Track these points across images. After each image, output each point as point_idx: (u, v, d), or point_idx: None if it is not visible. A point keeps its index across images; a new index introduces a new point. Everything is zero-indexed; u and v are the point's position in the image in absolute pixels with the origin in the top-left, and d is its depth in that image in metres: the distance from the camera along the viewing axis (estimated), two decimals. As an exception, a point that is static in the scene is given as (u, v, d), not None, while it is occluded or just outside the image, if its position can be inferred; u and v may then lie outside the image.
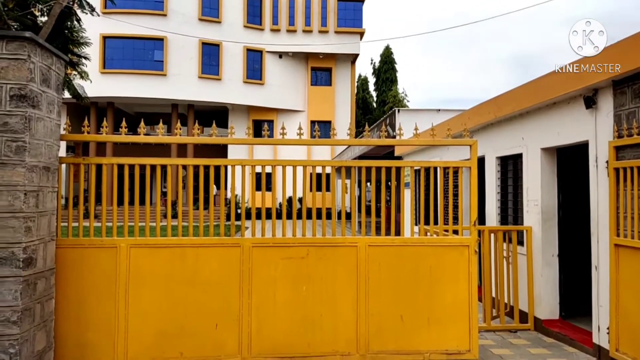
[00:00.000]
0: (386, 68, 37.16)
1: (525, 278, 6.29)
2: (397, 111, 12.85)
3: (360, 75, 41.89)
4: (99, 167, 4.49)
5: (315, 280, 4.48)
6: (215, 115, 30.33)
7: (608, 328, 4.70)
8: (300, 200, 28.27)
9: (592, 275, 5.05)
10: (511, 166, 6.97)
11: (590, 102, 4.95)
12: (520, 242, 6.43)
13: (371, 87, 40.81)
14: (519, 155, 6.63)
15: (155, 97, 28.21)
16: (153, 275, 4.37)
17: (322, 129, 31.92)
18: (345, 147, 21.04)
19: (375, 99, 39.54)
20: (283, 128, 4.70)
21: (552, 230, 6.12)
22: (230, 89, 29.83)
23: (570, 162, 6.37)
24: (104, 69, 27.88)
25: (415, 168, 5.08)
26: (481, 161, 7.63)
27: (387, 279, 4.54)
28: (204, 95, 29.07)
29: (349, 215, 26.71)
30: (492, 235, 6.42)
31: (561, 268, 6.09)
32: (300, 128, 4.76)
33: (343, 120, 32.12)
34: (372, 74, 39.07)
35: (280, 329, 4.43)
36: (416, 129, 4.81)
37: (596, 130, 4.96)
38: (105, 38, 27.98)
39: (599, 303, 4.93)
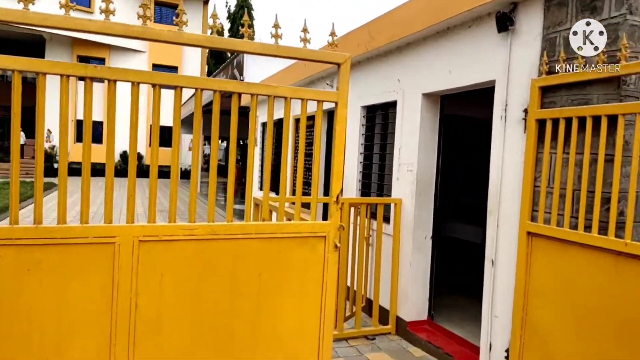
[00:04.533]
0: (242, 14, 33.86)
1: (389, 266, 4.77)
2: (245, 50, 10.48)
3: (215, 22, 37.89)
4: None
5: (13, 318, 2.13)
6: (28, 47, 24.23)
7: (507, 350, 3.30)
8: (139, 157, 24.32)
9: (484, 271, 3.62)
10: (380, 118, 5.31)
11: (505, 21, 3.36)
12: (388, 219, 4.87)
13: (226, 36, 37.24)
14: (392, 104, 4.98)
15: None
16: None
17: (165, 74, 27.86)
18: (189, 96, 18.11)
19: (229, 48, 36.14)
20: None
21: (427, 205, 4.63)
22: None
23: (451, 114, 4.93)
24: None
25: (261, 121, 3.08)
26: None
27: (176, 304, 2.41)
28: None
29: (187, 174, 23.82)
30: (353, 209, 4.73)
31: (434, 255, 4.68)
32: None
33: (192, 68, 28.55)
34: (227, 19, 35.61)
35: None
36: (278, 33, 2.66)
37: (510, 63, 3.40)
38: None
39: (492, 312, 3.52)
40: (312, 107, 2.89)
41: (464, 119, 6.22)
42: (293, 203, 3.73)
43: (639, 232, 2.57)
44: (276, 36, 2.52)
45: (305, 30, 2.60)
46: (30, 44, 25.22)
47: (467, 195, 6.71)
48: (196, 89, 2.50)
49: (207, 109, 14.07)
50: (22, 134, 23.99)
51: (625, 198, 2.59)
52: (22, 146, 24.51)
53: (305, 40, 2.60)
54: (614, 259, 2.54)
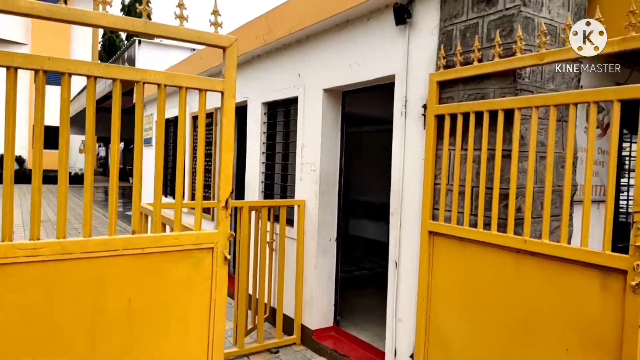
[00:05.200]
0: (138, 4, 31.72)
1: (294, 272, 4.49)
2: (137, 42, 9.68)
3: (107, 13, 35.21)
4: None
5: None
6: None
7: (412, 356, 3.18)
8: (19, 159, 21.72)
9: (388, 274, 3.48)
10: (282, 116, 5.02)
11: (403, 14, 3.23)
12: (291, 222, 4.59)
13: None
14: (294, 100, 4.71)
15: None
16: None
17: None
18: (77, 93, 16.48)
19: (125, 42, 33.78)
20: None
21: (331, 205, 4.43)
22: None
23: (355, 113, 4.79)
24: None
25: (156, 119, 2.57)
26: (242, 110, 5.51)
27: (14, 343, 1.90)
28: None
29: (80, 179, 21.80)
30: (254, 213, 4.38)
31: (339, 257, 4.49)
32: None
33: (82, 62, 26.20)
34: (121, 10, 33.19)
35: None
36: (147, 7, 2.20)
37: (408, 58, 3.29)
38: None
39: (396, 315, 3.39)
40: (211, 104, 2.50)
41: (367, 118, 6.16)
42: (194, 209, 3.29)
43: (537, 229, 2.54)
44: (144, 10, 2.10)
45: (181, 5, 2.21)
46: None
47: (374, 194, 6.68)
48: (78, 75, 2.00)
49: (100, 107, 12.85)
50: None
51: (523, 194, 2.55)
52: None
53: (181, 17, 2.21)
54: (514, 257, 2.48)
